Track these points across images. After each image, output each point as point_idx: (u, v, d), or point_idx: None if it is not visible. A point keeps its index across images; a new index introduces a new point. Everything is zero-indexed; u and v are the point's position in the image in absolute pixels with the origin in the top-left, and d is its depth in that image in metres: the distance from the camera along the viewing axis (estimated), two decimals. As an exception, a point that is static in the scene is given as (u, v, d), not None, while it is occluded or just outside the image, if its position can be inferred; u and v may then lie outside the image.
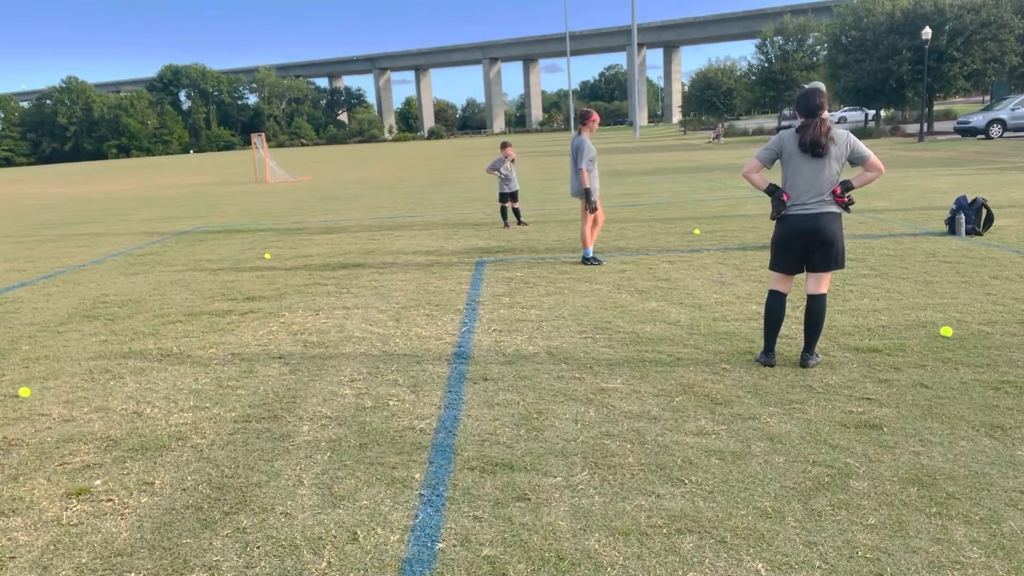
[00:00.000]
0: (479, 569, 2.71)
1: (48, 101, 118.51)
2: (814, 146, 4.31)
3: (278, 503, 3.25)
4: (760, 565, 2.65)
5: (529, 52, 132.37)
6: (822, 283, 4.55)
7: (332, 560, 2.81)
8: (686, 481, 3.27)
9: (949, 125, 37.51)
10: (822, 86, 4.63)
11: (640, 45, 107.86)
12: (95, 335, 6.29)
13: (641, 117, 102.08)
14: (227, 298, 7.51)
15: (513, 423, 3.98)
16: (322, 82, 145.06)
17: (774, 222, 4.60)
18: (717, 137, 44.85)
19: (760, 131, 49.48)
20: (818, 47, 50.24)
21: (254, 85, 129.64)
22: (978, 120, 31.23)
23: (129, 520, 3.18)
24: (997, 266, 7.18)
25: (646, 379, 4.54)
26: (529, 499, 3.18)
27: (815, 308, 4.54)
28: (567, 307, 6.42)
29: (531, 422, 3.98)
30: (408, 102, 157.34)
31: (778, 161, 4.58)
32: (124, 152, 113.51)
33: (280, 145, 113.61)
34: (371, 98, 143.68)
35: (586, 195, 8.05)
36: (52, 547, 3.00)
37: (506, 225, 11.73)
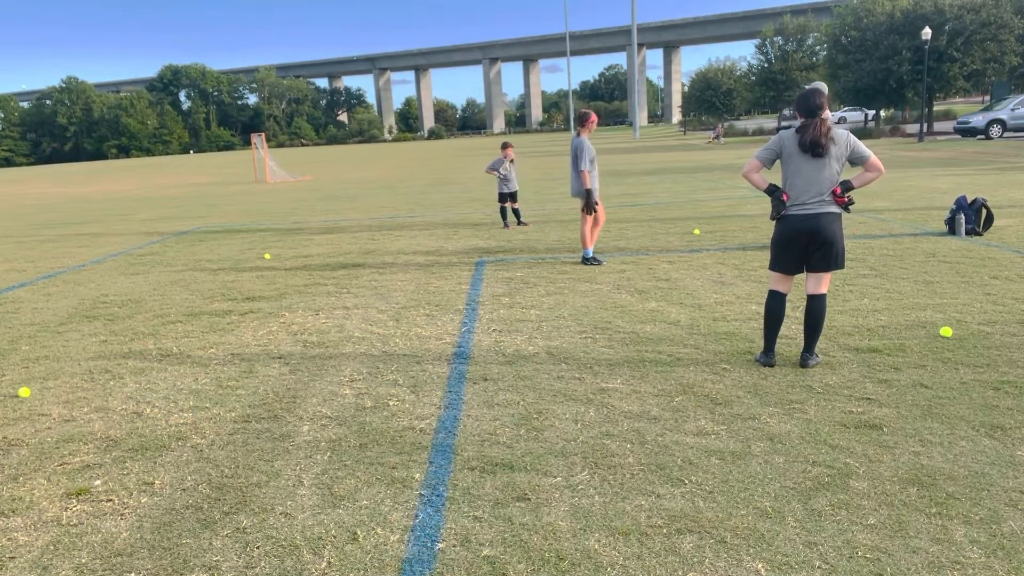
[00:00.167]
0: (479, 569, 2.71)
1: (48, 101, 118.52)
2: (814, 146, 4.31)
3: (278, 503, 3.25)
4: (760, 565, 2.65)
5: (529, 52, 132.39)
6: (822, 283, 4.55)
7: (332, 560, 2.81)
8: (686, 481, 3.27)
9: (949, 125, 37.52)
10: (823, 86, 4.63)
11: (640, 45, 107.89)
12: (95, 335, 6.29)
13: (641, 117, 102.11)
14: (227, 298, 7.51)
15: (513, 423, 3.98)
16: (322, 82, 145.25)
17: (774, 222, 4.60)
18: (717, 137, 44.85)
19: (760, 131, 49.48)
20: (818, 47, 50.25)
21: (254, 85, 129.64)
22: (978, 120, 31.24)
23: (129, 520, 3.18)
24: (997, 266, 7.18)
25: (646, 379, 4.54)
26: (529, 499, 3.18)
27: (815, 308, 4.54)
28: (567, 307, 6.42)
29: (531, 422, 3.98)
30: (408, 102, 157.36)
31: (778, 161, 4.58)
32: (124, 152, 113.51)
33: (280, 145, 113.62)
34: (371, 98, 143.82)
35: (587, 196, 8.06)
36: (52, 547, 3.00)
37: (506, 225, 11.73)
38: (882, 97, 38.65)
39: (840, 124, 36.10)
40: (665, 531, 2.89)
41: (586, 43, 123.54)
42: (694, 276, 7.40)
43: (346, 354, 5.37)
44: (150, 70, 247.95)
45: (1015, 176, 15.46)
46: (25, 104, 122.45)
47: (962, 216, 8.88)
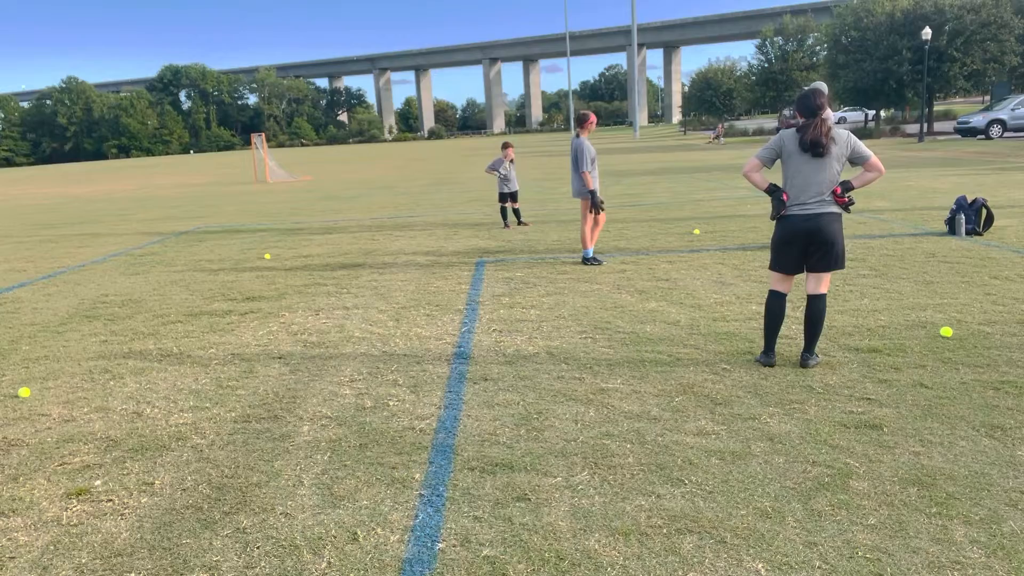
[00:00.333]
0: (479, 569, 2.71)
1: (48, 101, 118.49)
2: (814, 146, 4.31)
3: (278, 503, 3.25)
4: (760, 565, 2.65)
5: (529, 52, 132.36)
6: (822, 283, 4.55)
7: (332, 560, 2.81)
8: (686, 481, 3.27)
9: (949, 125, 37.53)
10: (823, 86, 4.63)
11: (640, 45, 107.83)
12: (95, 335, 6.29)
13: (641, 117, 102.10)
14: (227, 298, 7.51)
15: (513, 423, 3.98)
16: (322, 82, 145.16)
17: (774, 222, 4.60)
18: (717, 137, 44.86)
19: (760, 131, 49.47)
20: (818, 47, 50.26)
21: (254, 85, 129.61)
22: (978, 120, 31.25)
23: (129, 520, 3.18)
24: (997, 266, 7.18)
25: (646, 379, 4.54)
26: (529, 499, 3.18)
27: (815, 308, 4.54)
28: (567, 307, 6.42)
29: (531, 422, 3.98)
30: (408, 102, 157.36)
31: (778, 161, 4.58)
32: (124, 152, 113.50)
33: (280, 145, 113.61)
34: (371, 98, 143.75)
35: (592, 196, 8.08)
36: (52, 547, 3.00)
37: (506, 225, 11.73)
38: (882, 97, 38.66)
39: (840, 124, 36.07)
40: (665, 531, 2.89)
41: (586, 43, 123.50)
42: (694, 276, 7.40)
43: (346, 354, 5.37)
44: (150, 70, 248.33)
45: (1015, 176, 15.46)
46: (25, 104, 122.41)
47: (962, 216, 8.88)
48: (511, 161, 11.89)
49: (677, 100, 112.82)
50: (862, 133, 37.14)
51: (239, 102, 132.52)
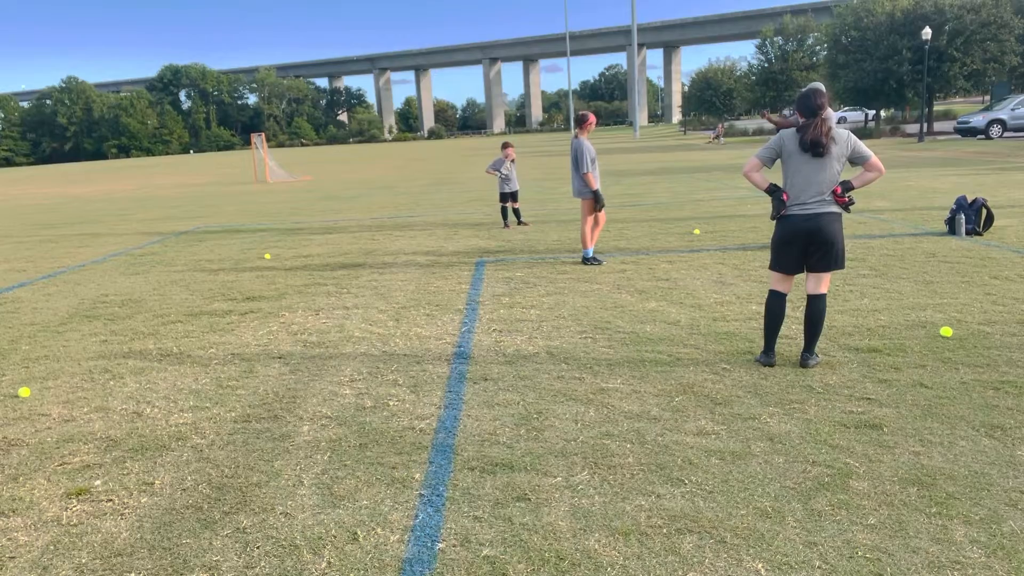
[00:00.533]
0: (479, 569, 2.71)
1: (48, 101, 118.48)
2: (815, 146, 4.31)
3: (278, 503, 3.25)
4: (760, 565, 2.65)
5: (529, 52, 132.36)
6: (822, 283, 4.55)
7: (332, 560, 2.81)
8: (686, 481, 3.27)
9: (949, 125, 37.53)
10: (821, 86, 4.63)
11: (640, 45, 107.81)
12: (95, 335, 6.29)
13: (641, 117, 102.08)
14: (227, 298, 7.51)
15: (513, 423, 3.98)
16: (322, 82, 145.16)
17: (774, 222, 4.60)
18: (717, 137, 44.86)
19: (760, 131, 49.48)
20: (818, 47, 50.24)
21: (254, 85, 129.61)
22: (978, 120, 31.25)
23: (129, 520, 3.18)
24: (997, 266, 7.18)
25: (646, 379, 4.54)
26: (529, 499, 3.18)
27: (815, 308, 4.54)
28: (567, 307, 6.42)
29: (531, 422, 3.98)
30: (408, 102, 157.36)
31: (779, 161, 4.58)
32: (124, 152, 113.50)
33: (280, 145, 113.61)
34: (371, 98, 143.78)
35: (595, 196, 8.09)
36: (52, 547, 3.00)
37: (506, 225, 11.74)
38: (882, 97, 38.65)
39: (840, 124, 36.08)
40: (665, 531, 2.89)
41: (586, 43, 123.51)
42: (694, 276, 7.40)
43: (346, 354, 5.37)
44: (150, 70, 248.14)
45: (1015, 176, 15.46)
46: (25, 104, 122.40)
47: (962, 216, 8.88)
48: (512, 161, 11.90)
49: (677, 100, 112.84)
50: (862, 133, 37.13)
51: (239, 102, 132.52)
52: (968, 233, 8.87)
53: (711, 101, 63.62)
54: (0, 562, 2.91)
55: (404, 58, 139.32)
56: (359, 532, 2.99)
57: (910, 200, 12.47)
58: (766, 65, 54.56)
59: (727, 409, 4.02)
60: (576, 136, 8.14)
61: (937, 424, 3.72)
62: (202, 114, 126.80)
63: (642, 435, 3.75)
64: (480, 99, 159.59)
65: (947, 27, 34.55)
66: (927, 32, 31.86)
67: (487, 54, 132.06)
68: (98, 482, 3.54)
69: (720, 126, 48.06)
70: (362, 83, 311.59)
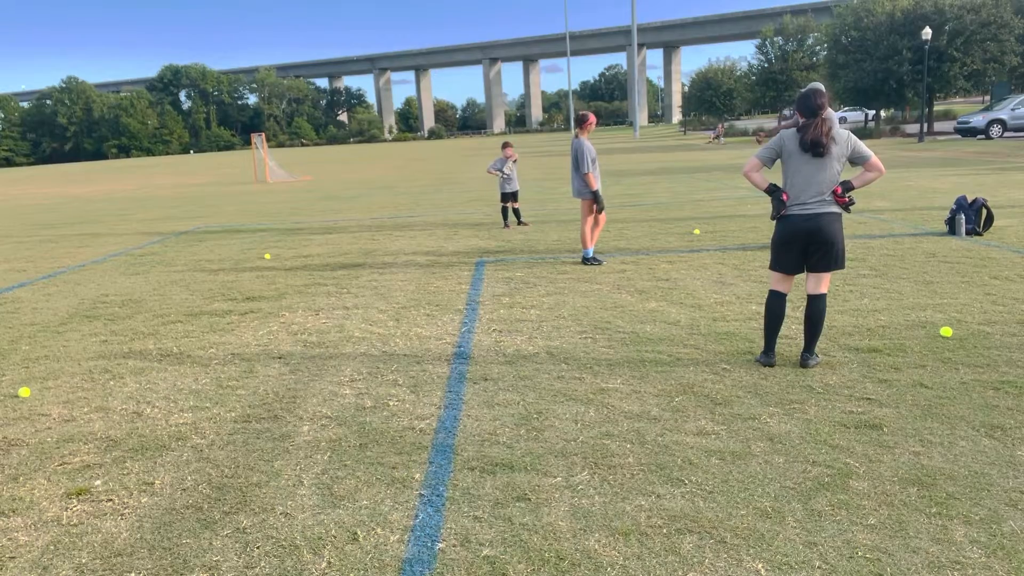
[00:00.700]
0: (479, 569, 2.71)
1: (48, 101, 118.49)
2: (815, 145, 4.31)
3: (278, 503, 3.25)
4: (760, 565, 2.65)
5: (529, 52, 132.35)
6: (822, 283, 4.55)
7: (332, 560, 2.81)
8: (686, 481, 3.27)
9: (949, 125, 37.53)
10: (821, 86, 4.63)
11: (640, 45, 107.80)
12: (95, 335, 6.29)
13: (641, 117, 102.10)
14: (227, 298, 7.51)
15: (513, 423, 3.98)
16: (322, 82, 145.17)
17: (774, 222, 4.60)
18: (717, 137, 44.87)
19: (760, 131, 49.44)
20: (818, 47, 50.24)
21: (254, 85, 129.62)
22: (978, 120, 31.25)
23: (129, 520, 3.18)
24: (997, 266, 7.18)
25: (646, 379, 4.54)
26: (529, 499, 3.18)
27: (815, 308, 4.54)
28: (567, 307, 6.42)
29: (531, 422, 3.98)
30: (408, 102, 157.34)
31: (779, 161, 4.58)
32: (124, 152, 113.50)
33: (280, 145, 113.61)
34: (371, 98, 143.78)
35: (594, 197, 8.09)
36: (52, 547, 3.00)
37: (506, 225, 11.74)
38: (882, 97, 38.64)
39: (840, 124, 36.06)
40: (665, 531, 2.89)
41: (586, 43, 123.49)
42: (694, 276, 7.40)
43: (346, 354, 5.37)
44: (150, 70, 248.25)
45: (1015, 176, 15.46)
46: (25, 104, 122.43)
47: (962, 216, 8.88)
48: (514, 161, 11.90)
49: (677, 100, 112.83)
50: (862, 133, 37.12)
51: (239, 102, 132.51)
52: (968, 233, 8.87)
53: (711, 101, 63.62)
54: (0, 562, 2.91)
55: (404, 58, 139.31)
56: (359, 532, 2.99)
57: (910, 200, 12.47)
58: (766, 65, 54.57)
59: (727, 409, 4.02)
60: (576, 136, 8.14)
61: (937, 424, 3.72)
62: (202, 114, 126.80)
63: (642, 435, 3.75)
64: (480, 99, 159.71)
65: (947, 27, 34.55)
66: (927, 32, 31.86)
67: (487, 54, 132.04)
68: (98, 482, 3.54)
69: (720, 126, 48.07)
70: (362, 83, 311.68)
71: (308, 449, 3.78)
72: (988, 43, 34.63)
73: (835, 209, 4.42)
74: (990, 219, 8.90)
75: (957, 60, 34.99)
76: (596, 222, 8.35)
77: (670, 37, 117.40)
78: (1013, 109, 31.05)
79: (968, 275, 6.85)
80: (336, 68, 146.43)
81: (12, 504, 3.37)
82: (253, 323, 6.43)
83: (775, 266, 4.64)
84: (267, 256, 10.13)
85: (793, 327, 5.39)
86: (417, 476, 3.44)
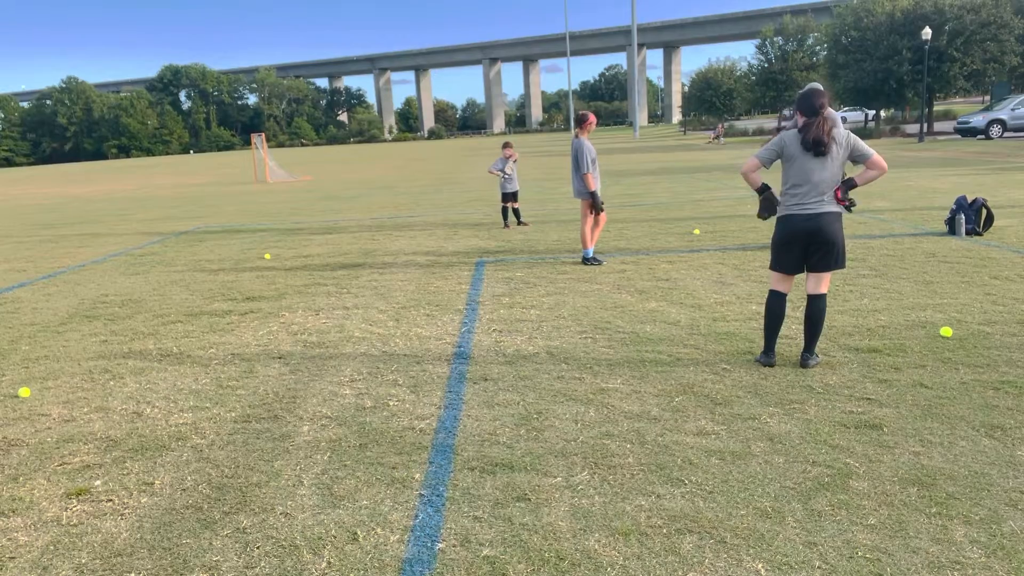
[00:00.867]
0: (479, 569, 2.71)
1: (48, 101, 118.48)
2: (816, 145, 4.31)
3: (278, 503, 3.25)
4: (760, 565, 2.65)
5: (529, 52, 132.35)
6: (822, 283, 4.55)
7: (332, 560, 2.81)
8: (686, 481, 3.27)
9: (949, 125, 37.52)
10: (820, 87, 4.63)
11: (640, 45, 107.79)
12: (95, 335, 6.29)
13: (641, 117, 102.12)
14: (227, 298, 7.51)
15: (513, 423, 3.98)
16: (322, 82, 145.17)
17: (775, 222, 4.60)
18: (717, 137, 44.85)
19: (760, 131, 49.48)
20: (818, 47, 50.25)
21: (254, 85, 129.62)
22: (978, 120, 31.24)
23: (129, 520, 3.18)
24: (997, 266, 7.18)
25: (646, 379, 4.54)
26: (529, 499, 3.18)
27: (815, 308, 4.54)
28: (567, 307, 6.42)
29: (531, 422, 3.98)
30: (408, 102, 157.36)
31: (778, 161, 4.58)
32: (124, 152, 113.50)
33: (280, 145, 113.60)
34: (371, 98, 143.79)
35: (593, 197, 8.09)
36: (52, 547, 3.00)
37: (506, 225, 11.74)
38: (882, 97, 38.66)
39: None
40: (665, 531, 2.89)
41: (586, 43, 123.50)
42: (694, 276, 7.40)
43: (346, 354, 5.37)
44: (150, 70, 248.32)
45: (1015, 176, 15.46)
46: (25, 104, 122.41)
47: (962, 216, 8.88)
48: (515, 160, 11.90)
49: (677, 100, 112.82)
50: (862, 133, 37.08)
51: (239, 102, 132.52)
52: (968, 233, 8.87)
53: (711, 101, 63.62)
54: (0, 562, 2.91)
55: (404, 58, 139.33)
56: (359, 532, 2.99)
57: (910, 200, 12.47)
58: (766, 65, 54.57)
59: (727, 409, 4.02)
60: (576, 136, 8.14)
61: (937, 424, 3.72)
62: (202, 114, 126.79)
63: (642, 435, 3.75)
64: (480, 99, 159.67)
65: (947, 27, 34.55)
66: (927, 32, 31.86)
67: (487, 54, 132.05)
68: (98, 482, 3.54)
69: (720, 126, 48.05)
70: (362, 83, 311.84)
71: (308, 449, 3.78)
72: (988, 43, 34.64)
73: (835, 209, 4.42)
74: (990, 219, 8.90)
75: (957, 60, 35.00)
76: (596, 222, 8.35)
77: (670, 37, 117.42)
78: (1013, 109, 31.05)
79: (968, 275, 6.85)
80: (336, 68, 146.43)
81: (12, 504, 3.37)
82: (253, 323, 6.43)
83: (775, 266, 4.64)
84: (267, 256, 10.13)
85: (793, 327, 5.39)
86: (417, 476, 3.44)
